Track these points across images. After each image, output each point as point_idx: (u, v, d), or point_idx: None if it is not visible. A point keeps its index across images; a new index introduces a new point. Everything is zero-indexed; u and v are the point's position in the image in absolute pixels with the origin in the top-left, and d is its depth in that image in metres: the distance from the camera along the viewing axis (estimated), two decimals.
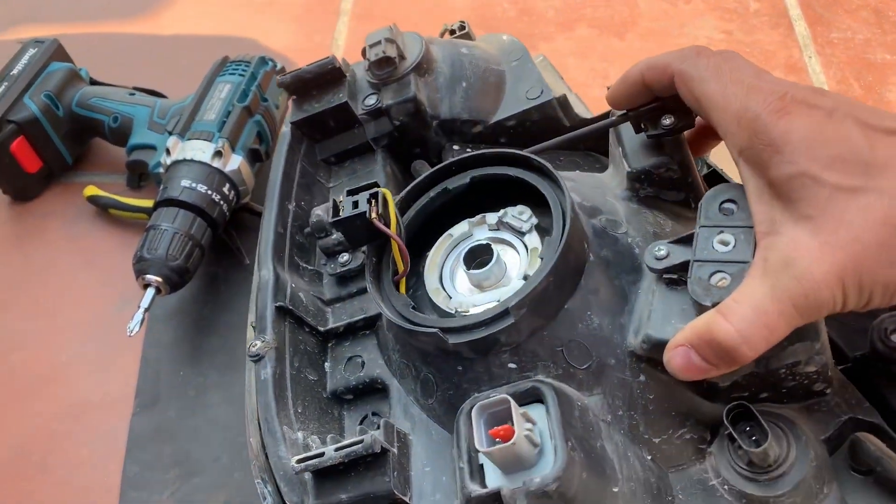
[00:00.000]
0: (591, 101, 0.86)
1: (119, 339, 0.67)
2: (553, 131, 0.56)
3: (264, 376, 0.44)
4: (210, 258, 0.71)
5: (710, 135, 0.49)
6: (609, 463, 0.38)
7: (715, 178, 0.55)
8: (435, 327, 0.41)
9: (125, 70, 0.91)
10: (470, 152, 0.49)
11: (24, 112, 0.75)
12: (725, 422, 0.40)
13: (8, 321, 0.72)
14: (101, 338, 0.70)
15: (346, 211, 0.45)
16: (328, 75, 0.57)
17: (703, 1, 0.95)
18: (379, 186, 0.45)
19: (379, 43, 0.55)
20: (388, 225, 0.44)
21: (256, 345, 0.45)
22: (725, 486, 0.40)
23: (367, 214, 0.44)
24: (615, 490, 0.38)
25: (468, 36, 0.64)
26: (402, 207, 0.47)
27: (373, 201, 0.44)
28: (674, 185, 0.48)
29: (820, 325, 0.40)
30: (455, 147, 0.58)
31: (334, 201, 0.46)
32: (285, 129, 0.57)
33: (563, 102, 0.56)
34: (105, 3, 1.01)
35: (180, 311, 0.70)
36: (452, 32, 0.64)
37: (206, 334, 0.69)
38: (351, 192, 0.46)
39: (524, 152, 0.46)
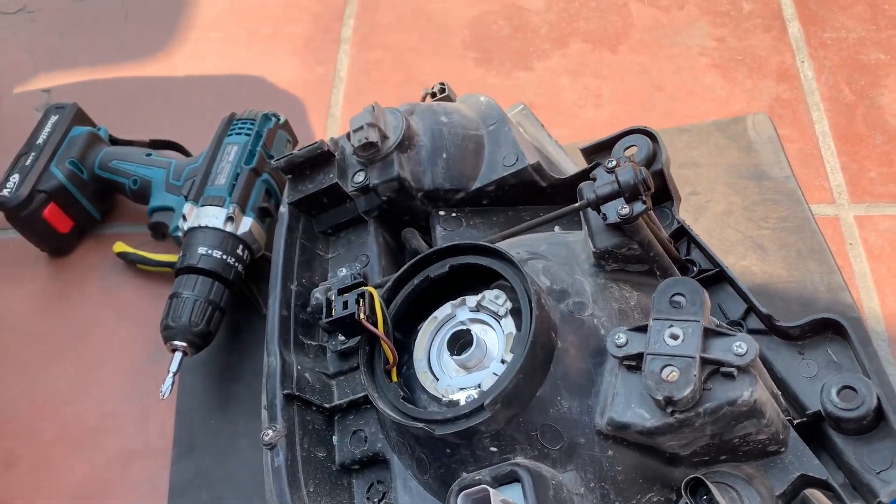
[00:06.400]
0: (583, 123, 0.89)
1: (154, 389, 0.73)
2: (530, 193, 0.61)
3: (277, 464, 0.50)
4: (231, 307, 0.76)
5: None
6: None
7: (681, 233, 0.58)
8: (423, 420, 0.46)
9: (141, 116, 0.96)
10: (455, 215, 0.56)
11: (52, 181, 0.81)
12: (684, 494, 0.44)
13: (58, 374, 0.79)
14: (138, 387, 0.77)
15: (338, 311, 0.49)
16: (318, 157, 0.61)
17: (696, 5, 0.95)
18: (366, 285, 0.50)
19: (361, 128, 0.59)
20: (375, 321, 0.49)
21: (269, 434, 0.51)
22: None
23: (356, 315, 0.48)
24: None
25: (448, 98, 0.67)
26: (390, 296, 0.52)
27: (361, 301, 0.49)
28: (637, 260, 0.51)
29: (765, 406, 0.44)
30: (441, 213, 0.62)
31: (327, 300, 0.50)
32: (283, 210, 0.62)
33: (538, 168, 0.60)
34: (119, 45, 1.05)
35: (207, 361, 0.76)
36: (433, 95, 0.68)
37: (232, 382, 0.75)
38: (342, 291, 0.50)
39: (497, 246, 0.50)
